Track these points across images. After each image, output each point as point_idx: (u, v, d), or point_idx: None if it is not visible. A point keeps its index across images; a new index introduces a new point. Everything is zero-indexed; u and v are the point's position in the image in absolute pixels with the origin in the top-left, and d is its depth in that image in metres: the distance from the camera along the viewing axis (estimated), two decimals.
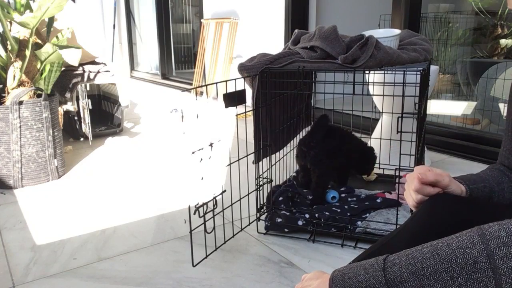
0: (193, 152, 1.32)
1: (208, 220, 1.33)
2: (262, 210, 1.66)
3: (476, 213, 0.79)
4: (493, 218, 0.68)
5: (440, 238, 0.63)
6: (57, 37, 2.53)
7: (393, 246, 0.80)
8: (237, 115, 1.45)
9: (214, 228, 1.44)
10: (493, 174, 0.88)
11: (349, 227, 1.52)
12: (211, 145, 1.38)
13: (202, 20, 4.51)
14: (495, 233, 0.54)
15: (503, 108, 2.86)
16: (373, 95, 2.12)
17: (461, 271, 0.55)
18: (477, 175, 0.88)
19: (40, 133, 2.14)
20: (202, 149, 1.34)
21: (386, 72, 1.44)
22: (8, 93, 2.16)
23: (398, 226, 0.95)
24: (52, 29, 2.33)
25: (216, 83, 1.32)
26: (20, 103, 2.06)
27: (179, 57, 6.57)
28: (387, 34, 1.59)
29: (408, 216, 0.96)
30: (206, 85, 1.35)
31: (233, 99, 1.35)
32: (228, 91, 1.33)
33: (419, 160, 1.59)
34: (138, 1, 6.73)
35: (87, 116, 2.83)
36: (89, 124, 2.85)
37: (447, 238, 0.59)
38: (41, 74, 2.35)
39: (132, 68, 7.00)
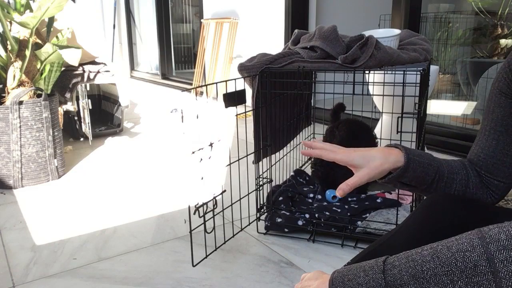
0: (193, 152, 1.32)
1: (208, 220, 1.33)
2: (262, 210, 1.66)
3: (475, 213, 0.79)
4: (492, 219, 0.68)
5: (439, 237, 0.62)
6: (57, 37, 2.53)
7: (392, 245, 0.80)
8: (237, 115, 1.45)
9: (214, 228, 1.44)
10: (453, 163, 0.86)
11: (349, 227, 1.52)
12: (211, 145, 1.38)
13: (202, 20, 4.51)
14: (495, 236, 0.54)
15: None
16: (373, 95, 2.12)
17: (461, 275, 0.55)
18: (431, 156, 0.85)
19: (40, 133, 2.14)
20: (202, 149, 1.34)
21: (386, 72, 1.44)
22: (8, 93, 2.16)
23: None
24: (52, 29, 2.33)
25: (216, 83, 1.32)
26: (20, 103, 2.06)
27: (179, 57, 6.57)
28: (387, 34, 1.59)
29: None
30: (206, 85, 1.35)
31: (233, 99, 1.35)
32: (228, 91, 1.33)
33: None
34: (138, 1, 6.73)
35: (87, 116, 2.83)
36: (89, 124, 2.85)
37: (446, 240, 0.59)
38: (41, 74, 2.35)
39: (132, 68, 7.00)
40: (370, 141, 1.81)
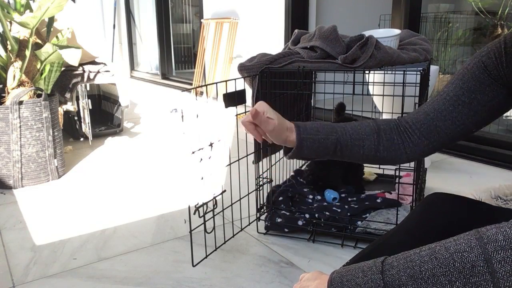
0: (193, 152, 1.32)
1: (208, 220, 1.33)
2: (262, 210, 1.66)
3: (473, 213, 0.79)
4: (490, 219, 0.68)
5: (437, 238, 0.62)
6: (57, 37, 2.53)
7: (391, 245, 0.80)
8: (237, 115, 1.45)
9: (214, 228, 1.44)
10: (361, 129, 0.88)
11: (349, 227, 1.52)
12: (211, 145, 1.38)
13: (202, 20, 4.51)
14: (493, 237, 0.54)
15: None
16: (373, 95, 2.12)
17: (459, 275, 0.55)
18: (330, 125, 0.88)
19: (40, 133, 2.14)
20: (202, 149, 1.34)
21: (386, 72, 1.44)
22: (8, 93, 2.16)
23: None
24: (52, 29, 2.33)
25: (216, 83, 1.32)
26: (20, 103, 2.06)
27: (179, 57, 6.57)
28: (387, 34, 1.59)
29: None
30: (206, 85, 1.35)
31: (233, 99, 1.35)
32: (228, 91, 1.33)
33: (419, 160, 1.59)
34: (138, 1, 6.73)
35: (87, 116, 2.83)
36: (89, 124, 2.86)
37: (445, 241, 0.59)
38: (41, 74, 2.35)
39: (132, 68, 7.00)
40: None
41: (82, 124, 2.91)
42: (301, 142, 0.86)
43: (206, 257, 1.37)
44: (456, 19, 4.16)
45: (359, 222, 1.53)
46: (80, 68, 2.86)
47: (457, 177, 2.20)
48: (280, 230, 1.60)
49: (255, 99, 1.50)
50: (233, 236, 1.53)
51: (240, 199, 1.53)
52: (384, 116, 2.19)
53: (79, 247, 1.55)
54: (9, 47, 2.15)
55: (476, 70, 0.80)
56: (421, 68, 1.38)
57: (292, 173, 1.96)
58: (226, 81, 1.40)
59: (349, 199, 1.73)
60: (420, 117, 0.86)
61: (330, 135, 0.87)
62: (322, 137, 0.86)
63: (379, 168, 2.00)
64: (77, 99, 2.91)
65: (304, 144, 0.86)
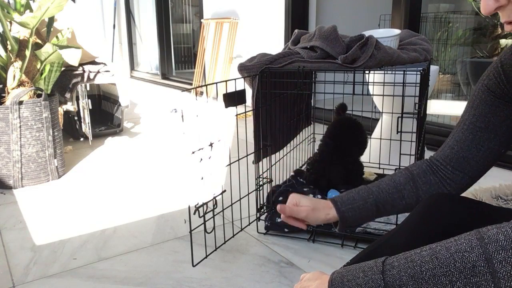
0: (193, 152, 1.32)
1: (208, 220, 1.33)
2: (262, 210, 1.66)
3: (474, 213, 0.79)
4: (491, 219, 0.68)
5: (438, 238, 0.62)
6: (57, 37, 2.53)
7: (391, 245, 0.80)
8: (237, 115, 1.45)
9: (214, 228, 1.44)
10: (395, 182, 0.89)
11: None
12: (211, 145, 1.38)
13: (202, 20, 4.51)
14: (494, 237, 0.54)
15: None
16: (373, 95, 2.12)
17: (459, 275, 0.55)
18: (365, 188, 0.90)
19: (40, 133, 2.14)
20: (202, 149, 1.34)
21: (386, 72, 1.44)
22: (8, 93, 2.16)
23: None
24: (52, 29, 2.33)
25: (216, 83, 1.32)
26: (20, 103, 2.06)
27: (179, 57, 6.57)
28: (387, 34, 1.59)
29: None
30: (206, 85, 1.35)
31: (233, 99, 1.35)
32: (228, 91, 1.33)
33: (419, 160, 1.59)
34: (138, 1, 6.73)
35: (87, 116, 2.83)
36: (89, 124, 2.86)
37: (445, 241, 0.59)
38: (41, 74, 2.35)
39: (132, 68, 7.00)
40: (357, 138, 1.82)
41: (82, 124, 2.91)
42: (343, 215, 0.89)
43: (206, 257, 1.37)
44: (456, 19, 4.16)
45: None
46: (80, 68, 2.86)
47: None
48: (280, 230, 1.60)
49: (255, 99, 1.50)
50: (233, 236, 1.53)
51: (240, 199, 1.53)
52: (384, 116, 2.19)
53: (79, 247, 1.55)
54: (9, 47, 2.15)
55: (482, 94, 0.82)
56: (421, 68, 1.38)
57: (292, 173, 1.96)
58: (226, 81, 1.40)
59: None
60: (446, 152, 0.87)
61: (367, 198, 0.89)
62: (361, 204, 0.89)
63: (379, 168, 2.00)
64: (77, 99, 2.91)
65: (346, 216, 0.89)
